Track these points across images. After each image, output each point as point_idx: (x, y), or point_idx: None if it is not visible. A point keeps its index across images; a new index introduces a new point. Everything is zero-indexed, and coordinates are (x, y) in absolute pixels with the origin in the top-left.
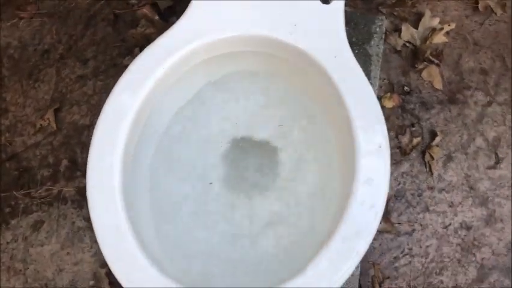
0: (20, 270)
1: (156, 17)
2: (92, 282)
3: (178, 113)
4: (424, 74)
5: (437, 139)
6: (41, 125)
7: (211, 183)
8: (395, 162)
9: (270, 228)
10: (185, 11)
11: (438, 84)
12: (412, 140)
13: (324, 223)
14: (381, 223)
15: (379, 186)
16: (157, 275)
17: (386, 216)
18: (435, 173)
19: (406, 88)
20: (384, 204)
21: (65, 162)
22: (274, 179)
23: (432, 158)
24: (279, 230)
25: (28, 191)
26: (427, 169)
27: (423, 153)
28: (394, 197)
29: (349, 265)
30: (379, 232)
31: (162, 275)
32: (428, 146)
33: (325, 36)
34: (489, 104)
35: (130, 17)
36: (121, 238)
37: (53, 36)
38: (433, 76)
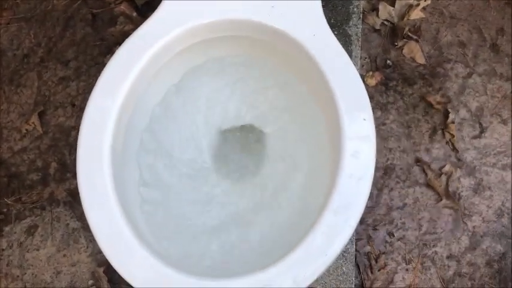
0: (18, 276)
1: (134, 14)
2: (90, 282)
3: (162, 103)
4: (405, 50)
5: (451, 116)
6: (26, 129)
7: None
8: (383, 139)
9: (263, 210)
10: (162, 1)
11: (420, 59)
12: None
13: (316, 200)
14: (442, 200)
15: (366, 158)
16: (159, 266)
17: (447, 192)
18: (422, 147)
19: (388, 62)
20: (372, 176)
21: (53, 165)
22: (264, 162)
23: (453, 135)
24: (273, 211)
25: (19, 197)
26: (451, 146)
27: (408, 128)
28: (384, 173)
29: (343, 237)
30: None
31: (164, 264)
32: (445, 125)
33: (303, 15)
34: (469, 75)
35: (108, 15)
36: (118, 232)
37: (31, 40)
38: (414, 52)
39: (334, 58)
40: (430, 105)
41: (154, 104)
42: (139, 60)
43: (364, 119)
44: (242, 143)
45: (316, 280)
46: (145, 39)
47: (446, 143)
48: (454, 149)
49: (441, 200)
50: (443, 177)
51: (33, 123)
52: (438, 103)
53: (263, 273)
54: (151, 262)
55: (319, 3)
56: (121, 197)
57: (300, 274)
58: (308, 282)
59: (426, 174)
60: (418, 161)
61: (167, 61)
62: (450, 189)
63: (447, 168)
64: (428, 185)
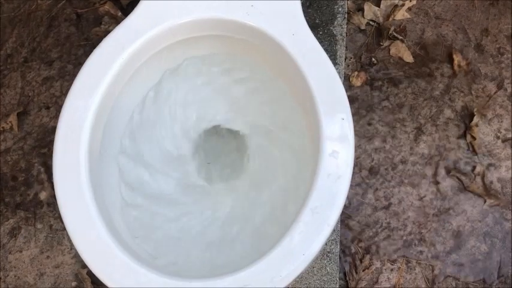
0: (0, 278)
1: (119, 13)
2: (74, 284)
3: (141, 105)
4: (393, 50)
5: (475, 119)
6: (3, 128)
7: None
8: (368, 139)
9: (246, 211)
10: (140, 1)
11: (408, 58)
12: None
13: (298, 200)
14: (486, 201)
15: (345, 158)
16: (136, 267)
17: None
18: (407, 146)
19: (373, 59)
20: (351, 175)
21: (37, 165)
22: (246, 163)
23: (474, 138)
24: (256, 211)
25: (2, 198)
26: (471, 148)
27: (393, 128)
28: (369, 173)
29: (321, 237)
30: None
31: (139, 264)
32: (469, 127)
33: (282, 14)
34: (454, 75)
35: (93, 15)
36: (95, 234)
37: (15, 40)
38: (402, 51)
39: (312, 57)
40: (451, 60)
41: (133, 105)
42: (116, 61)
43: (343, 119)
44: (223, 144)
45: (300, 280)
46: (123, 39)
47: (467, 145)
48: (474, 151)
49: (485, 201)
50: (478, 179)
51: (10, 122)
52: (459, 66)
53: (240, 274)
54: (129, 264)
55: (299, 2)
56: (98, 198)
57: (277, 274)
58: (286, 283)
59: (462, 182)
60: (448, 170)
61: (145, 61)
62: (438, 189)
63: (478, 169)
64: (467, 191)
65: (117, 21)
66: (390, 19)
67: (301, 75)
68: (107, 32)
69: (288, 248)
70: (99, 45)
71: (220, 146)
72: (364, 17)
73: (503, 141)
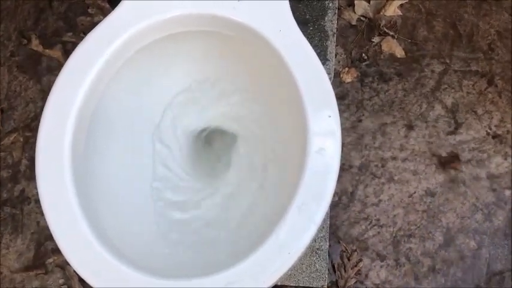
0: None
1: (107, 6)
2: (61, 281)
3: (125, 102)
4: (384, 46)
5: None
6: None
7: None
8: (359, 135)
9: (231, 205)
10: None
11: (400, 53)
12: None
13: (283, 198)
14: None
15: (331, 155)
16: (117, 265)
17: None
18: (397, 143)
19: (364, 55)
20: (337, 172)
21: (24, 161)
22: (232, 162)
23: None
24: (240, 206)
25: None
26: None
27: (384, 124)
28: (359, 170)
29: (307, 235)
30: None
31: (120, 262)
32: None
33: (269, 10)
34: (445, 71)
35: (81, 8)
36: (77, 230)
37: (2, 34)
38: (393, 47)
39: (299, 53)
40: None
41: (120, 103)
42: (99, 59)
43: (329, 116)
44: (210, 145)
45: (289, 278)
46: (105, 37)
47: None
48: None
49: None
50: None
51: None
52: None
53: (225, 273)
54: (112, 262)
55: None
56: (82, 196)
57: (262, 273)
58: (272, 281)
59: None
60: None
61: (127, 59)
62: (427, 186)
63: None
64: None
65: (103, 12)
66: (381, 15)
67: (288, 72)
68: (92, 23)
69: (274, 246)
70: (83, 40)
71: (208, 145)
72: (355, 13)
73: (493, 137)
